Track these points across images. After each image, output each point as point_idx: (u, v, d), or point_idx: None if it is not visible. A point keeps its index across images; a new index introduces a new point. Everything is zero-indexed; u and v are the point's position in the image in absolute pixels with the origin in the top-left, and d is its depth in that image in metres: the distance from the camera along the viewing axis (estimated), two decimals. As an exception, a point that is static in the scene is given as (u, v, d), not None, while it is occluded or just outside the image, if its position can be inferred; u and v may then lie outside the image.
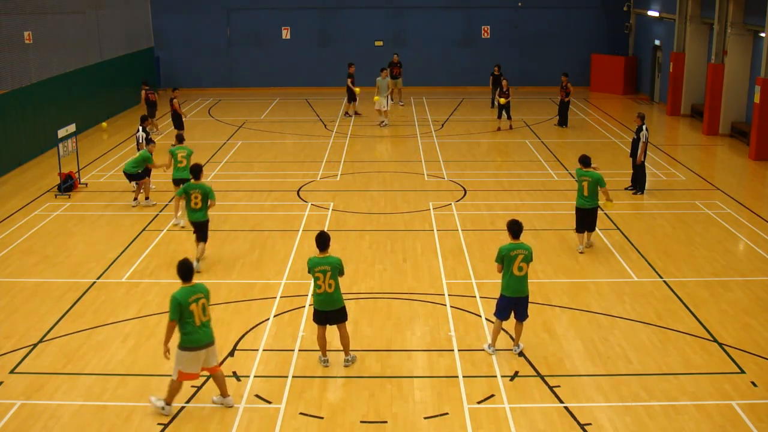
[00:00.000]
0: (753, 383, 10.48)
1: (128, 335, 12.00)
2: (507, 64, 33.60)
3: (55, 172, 19.87)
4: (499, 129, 26.83)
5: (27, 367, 11.05)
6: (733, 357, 11.21)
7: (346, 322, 10.93)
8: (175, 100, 24.87)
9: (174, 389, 9.77)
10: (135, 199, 18.51)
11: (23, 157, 22.54)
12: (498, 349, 11.38)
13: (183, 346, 9.60)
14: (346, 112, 29.76)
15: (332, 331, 10.99)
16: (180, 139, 17.62)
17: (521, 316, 11.20)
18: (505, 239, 16.51)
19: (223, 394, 10.01)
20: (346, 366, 10.89)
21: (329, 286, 10.56)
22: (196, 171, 14.41)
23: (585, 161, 15.07)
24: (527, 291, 11.15)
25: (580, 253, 15.13)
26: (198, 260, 14.31)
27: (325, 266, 10.52)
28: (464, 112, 30.15)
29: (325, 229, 16.59)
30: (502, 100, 26.35)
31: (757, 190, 20.09)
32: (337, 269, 10.59)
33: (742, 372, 10.78)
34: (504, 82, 26.73)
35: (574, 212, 15.46)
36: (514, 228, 11.12)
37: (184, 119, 25.37)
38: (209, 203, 14.28)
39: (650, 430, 9.47)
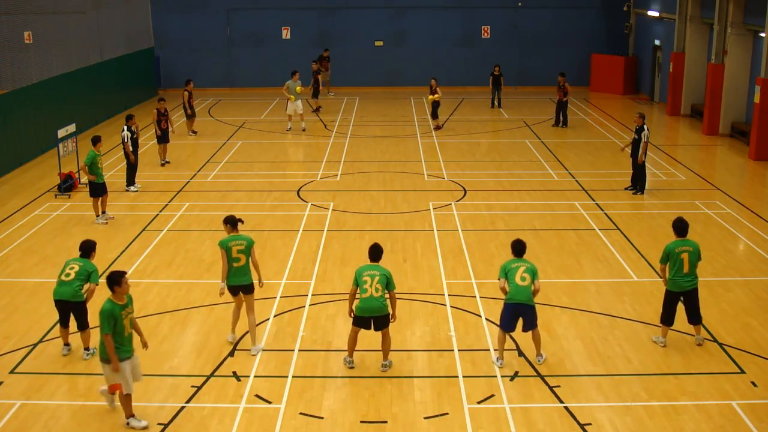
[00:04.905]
0: (753, 383, 10.48)
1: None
2: (507, 64, 33.62)
3: (55, 172, 19.87)
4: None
5: (27, 367, 11.05)
6: (733, 357, 11.21)
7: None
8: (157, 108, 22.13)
9: None
10: (98, 215, 17.36)
11: (23, 157, 22.52)
12: (497, 349, 11.37)
13: None
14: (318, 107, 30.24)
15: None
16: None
17: (528, 325, 10.76)
18: (505, 239, 16.52)
19: None
20: (383, 370, 10.83)
21: (376, 290, 10.48)
22: (87, 248, 11.79)
23: (683, 228, 11.41)
24: (533, 302, 10.68)
25: (663, 346, 11.52)
26: (87, 349, 11.41)
27: (374, 271, 10.56)
28: (464, 112, 30.13)
29: (325, 229, 16.59)
30: (431, 98, 26.38)
31: (757, 190, 20.09)
32: (386, 277, 10.56)
33: (742, 372, 10.78)
34: (433, 81, 26.56)
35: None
36: (517, 247, 10.87)
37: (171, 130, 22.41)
38: (89, 286, 11.49)
39: (650, 430, 9.47)
